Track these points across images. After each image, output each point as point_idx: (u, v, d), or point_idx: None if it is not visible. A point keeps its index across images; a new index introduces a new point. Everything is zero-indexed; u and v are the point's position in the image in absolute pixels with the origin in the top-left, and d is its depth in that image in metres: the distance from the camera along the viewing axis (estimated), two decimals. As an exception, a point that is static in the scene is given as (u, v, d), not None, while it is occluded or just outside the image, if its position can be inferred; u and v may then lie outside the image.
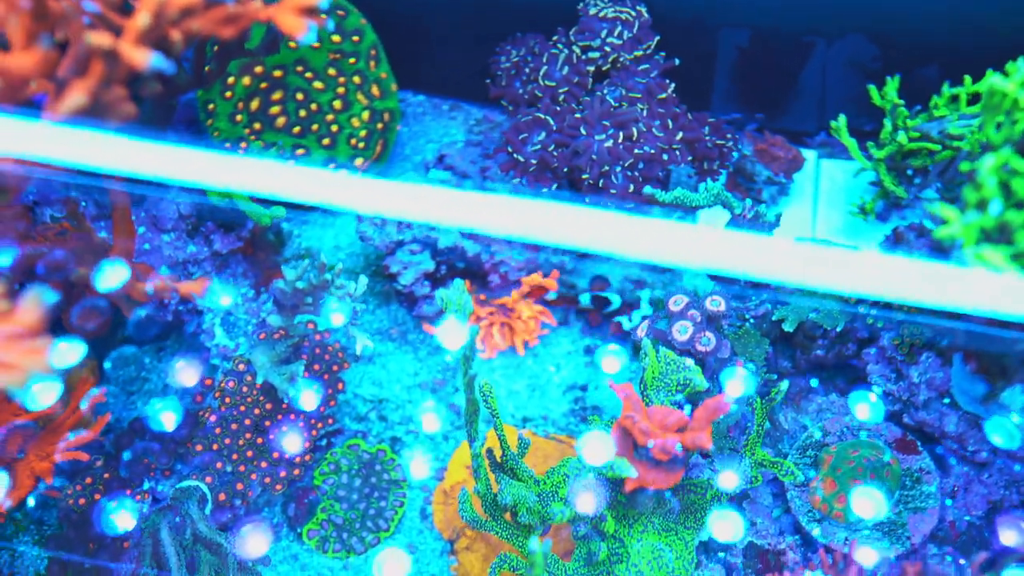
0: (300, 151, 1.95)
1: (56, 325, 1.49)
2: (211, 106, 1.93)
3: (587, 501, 1.46)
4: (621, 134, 1.58)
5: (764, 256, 1.36)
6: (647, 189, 1.39)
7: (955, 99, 1.77)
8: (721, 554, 1.57)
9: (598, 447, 1.41)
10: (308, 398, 1.73)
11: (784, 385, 1.38)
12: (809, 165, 2.10)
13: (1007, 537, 1.55)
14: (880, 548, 1.47)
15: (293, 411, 1.69)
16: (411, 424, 1.92)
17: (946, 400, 1.50)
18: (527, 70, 1.76)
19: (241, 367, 1.63)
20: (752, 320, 1.64)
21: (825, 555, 1.33)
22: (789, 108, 2.14)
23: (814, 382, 1.74)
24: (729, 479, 1.55)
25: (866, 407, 1.69)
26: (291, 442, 1.71)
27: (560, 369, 1.97)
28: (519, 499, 1.36)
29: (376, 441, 1.89)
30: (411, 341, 2.00)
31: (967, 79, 1.74)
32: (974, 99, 1.78)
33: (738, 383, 1.56)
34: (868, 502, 1.55)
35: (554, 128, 1.63)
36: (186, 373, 1.75)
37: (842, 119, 1.86)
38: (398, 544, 1.82)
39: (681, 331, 1.48)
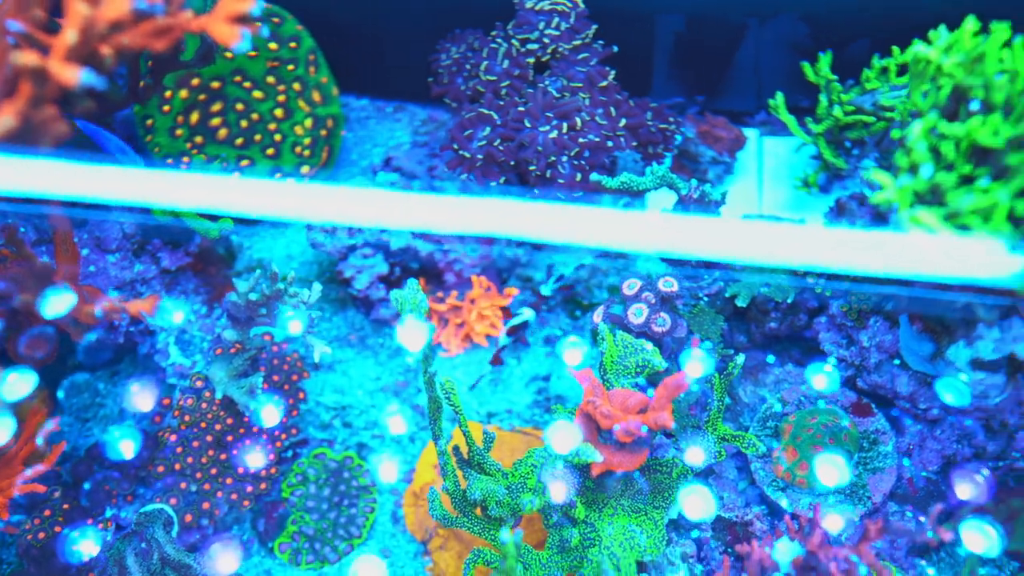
0: (245, 162, 1.93)
1: (1, 355, 1.46)
2: (149, 121, 1.89)
3: (558, 490, 1.46)
4: (565, 124, 1.60)
5: (713, 236, 1.39)
6: (594, 176, 1.40)
7: (885, 71, 1.82)
8: (695, 533, 1.59)
9: (565, 436, 1.42)
10: (270, 413, 1.71)
11: (740, 359, 1.41)
12: (752, 143, 2.13)
13: (962, 490, 1.60)
14: (843, 510, 1.51)
15: (255, 424, 1.67)
16: (376, 429, 1.91)
17: (896, 361, 1.55)
18: (468, 66, 1.76)
19: (199, 384, 1.61)
20: (706, 298, 1.67)
21: (791, 521, 1.36)
22: (729, 89, 2.18)
23: (771, 358, 1.77)
24: (696, 455, 1.58)
25: (823, 378, 1.73)
26: (255, 457, 1.69)
27: (521, 362, 1.98)
28: (488, 493, 1.36)
29: (342, 448, 1.88)
30: (370, 345, 1.99)
31: (895, 50, 1.79)
32: (903, 70, 1.83)
33: (697, 363, 1.59)
34: (831, 468, 1.59)
35: (498, 122, 1.63)
36: (142, 397, 1.71)
37: (780, 97, 1.90)
38: (371, 550, 1.81)
39: (636, 313, 1.50)
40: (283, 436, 1.73)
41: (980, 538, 1.42)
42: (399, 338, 1.96)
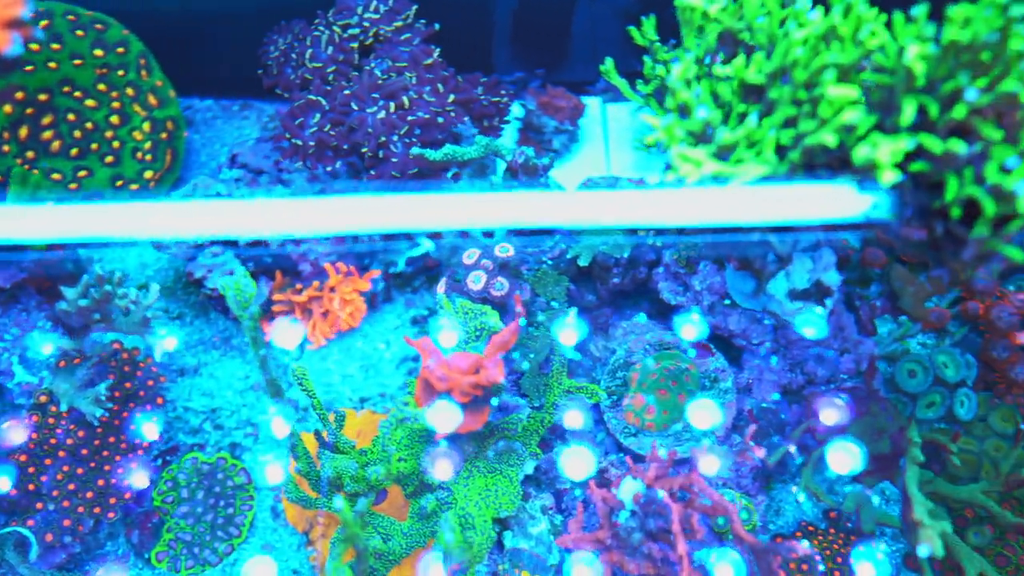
0: (82, 173, 1.89)
1: None
2: (-26, 140, 1.83)
3: (444, 468, 1.50)
4: (392, 104, 1.62)
5: (546, 207, 1.43)
6: (414, 150, 1.43)
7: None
8: (578, 492, 1.64)
9: (446, 415, 1.45)
10: (149, 428, 1.70)
11: (572, 311, 1.46)
12: (596, 110, 2.20)
13: (827, 416, 1.69)
14: (689, 447, 1.59)
15: (111, 434, 1.64)
16: (249, 428, 1.90)
17: (727, 301, 1.63)
18: (294, 56, 1.77)
19: (43, 399, 1.58)
20: (550, 261, 1.72)
21: (632, 461, 1.43)
22: (569, 61, 2.24)
23: (642, 318, 1.83)
24: (575, 418, 1.63)
25: (692, 327, 1.81)
26: (138, 476, 1.67)
27: (390, 345, 2.00)
28: (341, 470, 1.38)
29: (215, 450, 1.86)
30: (236, 346, 1.98)
31: (708, 8, 1.87)
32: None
33: (570, 330, 1.64)
34: (704, 413, 1.66)
35: (327, 108, 1.65)
36: (15, 431, 1.66)
37: (609, 62, 1.97)
38: (253, 547, 1.80)
39: (475, 280, 1.54)
40: (145, 444, 1.70)
41: (845, 457, 1.50)
42: (272, 338, 1.95)
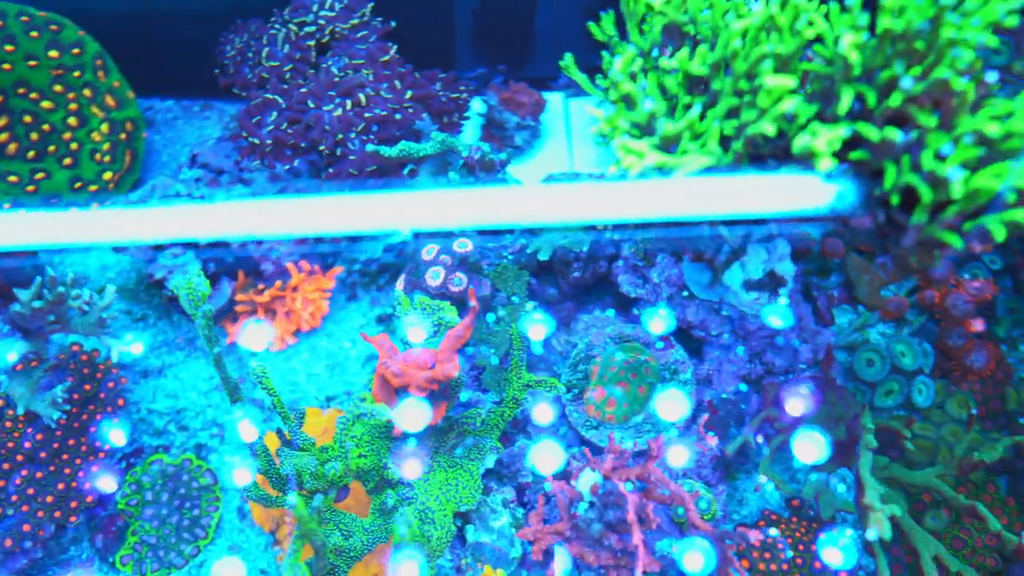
0: (40, 175, 1.87)
1: None
2: (-72, 144, 1.82)
3: (412, 467, 1.50)
4: (349, 101, 1.62)
5: (503, 203, 1.43)
6: (370, 147, 1.43)
7: (660, 23, 1.91)
8: (547, 486, 1.64)
9: (415, 414, 1.45)
10: (116, 435, 1.69)
11: (529, 305, 1.47)
12: (558, 106, 2.21)
13: (793, 406, 1.70)
14: (646, 438, 1.60)
15: (71, 437, 1.63)
16: (214, 428, 1.90)
17: (685, 293, 1.64)
18: (250, 54, 1.77)
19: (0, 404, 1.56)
20: (511, 256, 1.72)
21: (589, 452, 1.44)
22: (530, 57, 2.25)
23: (611, 312, 1.83)
24: (544, 413, 1.64)
25: (660, 321, 1.82)
26: (105, 480, 1.66)
27: (356, 344, 1.99)
28: (300, 467, 1.38)
29: (180, 452, 1.85)
30: (200, 347, 1.97)
31: (665, 2, 1.88)
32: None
33: (539, 325, 1.64)
34: (673, 404, 1.67)
35: (283, 106, 1.64)
36: None
37: (568, 57, 1.97)
38: (219, 548, 1.80)
39: (433, 276, 1.54)
40: (106, 446, 1.69)
41: (811, 446, 1.52)
42: (240, 340, 1.95)
